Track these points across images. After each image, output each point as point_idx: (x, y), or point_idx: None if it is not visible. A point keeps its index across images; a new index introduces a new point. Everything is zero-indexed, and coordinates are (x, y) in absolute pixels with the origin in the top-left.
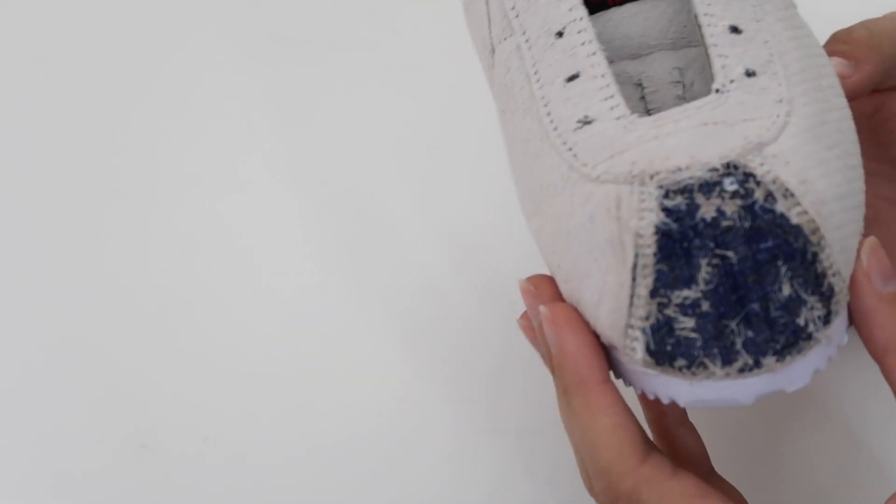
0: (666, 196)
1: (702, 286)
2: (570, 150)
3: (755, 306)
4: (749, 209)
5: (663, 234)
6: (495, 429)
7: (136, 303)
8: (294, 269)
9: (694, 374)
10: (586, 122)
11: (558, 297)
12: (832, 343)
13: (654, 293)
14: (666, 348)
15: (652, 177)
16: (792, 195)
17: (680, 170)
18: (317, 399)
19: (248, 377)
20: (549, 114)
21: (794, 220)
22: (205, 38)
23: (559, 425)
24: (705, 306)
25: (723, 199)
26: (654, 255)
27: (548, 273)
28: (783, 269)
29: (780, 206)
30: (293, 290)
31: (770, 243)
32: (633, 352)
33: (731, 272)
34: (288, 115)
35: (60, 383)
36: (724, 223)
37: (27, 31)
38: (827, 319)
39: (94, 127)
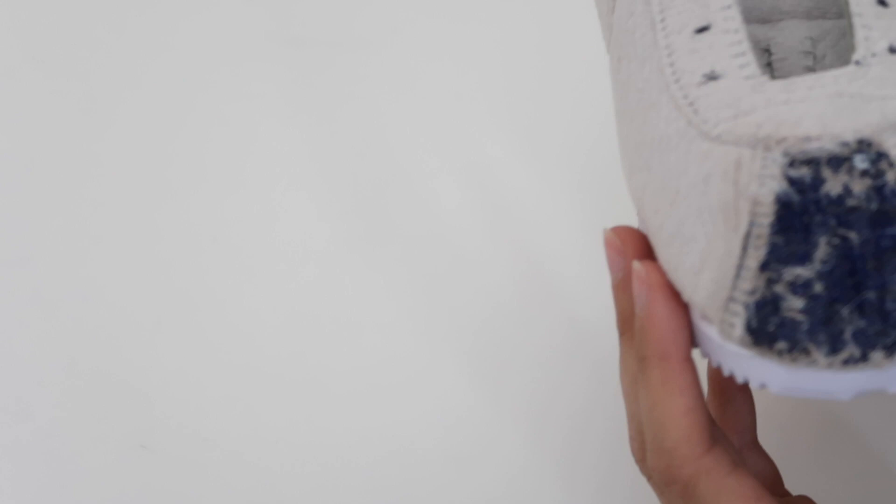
0: (791, 165)
1: (817, 266)
2: (692, 105)
3: (871, 295)
4: (878, 190)
5: (784, 205)
6: (500, 430)
7: (137, 302)
8: (296, 268)
9: (794, 359)
10: (712, 77)
11: (647, 255)
12: None
13: (764, 266)
14: (768, 328)
15: (778, 142)
16: None
17: (809, 139)
18: (319, 400)
19: (250, 377)
20: (671, 64)
21: None
22: (204, 39)
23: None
24: (818, 287)
25: (851, 176)
26: (771, 225)
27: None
28: None
29: None
30: (295, 289)
31: None
32: (731, 328)
33: (851, 255)
34: (298, 114)
35: (60, 384)
36: (850, 202)
37: (27, 30)
38: None
39: (91, 128)
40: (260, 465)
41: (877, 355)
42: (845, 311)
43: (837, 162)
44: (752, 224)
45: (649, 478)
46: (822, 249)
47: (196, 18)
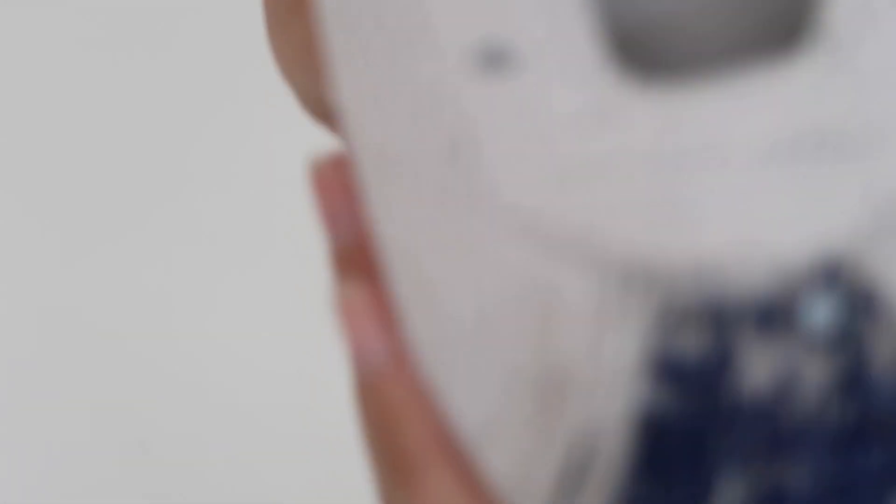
0: (673, 327)
1: None
2: (462, 119)
3: None
4: (854, 376)
5: (655, 428)
6: None
7: (136, 307)
8: (295, 269)
9: None
10: (501, 58)
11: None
12: None
13: None
14: None
15: (647, 275)
16: None
17: (718, 268)
18: (319, 402)
19: (249, 382)
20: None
21: None
22: (204, 39)
23: None
24: None
25: (795, 346)
26: (624, 463)
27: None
28: None
29: None
30: (295, 290)
31: (885, 455)
32: None
33: None
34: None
35: (60, 386)
36: (795, 405)
37: (26, 30)
38: None
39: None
40: (260, 467)
41: None
42: None
43: (769, 318)
44: (582, 458)
45: None
46: (728, 499)
47: (198, 18)
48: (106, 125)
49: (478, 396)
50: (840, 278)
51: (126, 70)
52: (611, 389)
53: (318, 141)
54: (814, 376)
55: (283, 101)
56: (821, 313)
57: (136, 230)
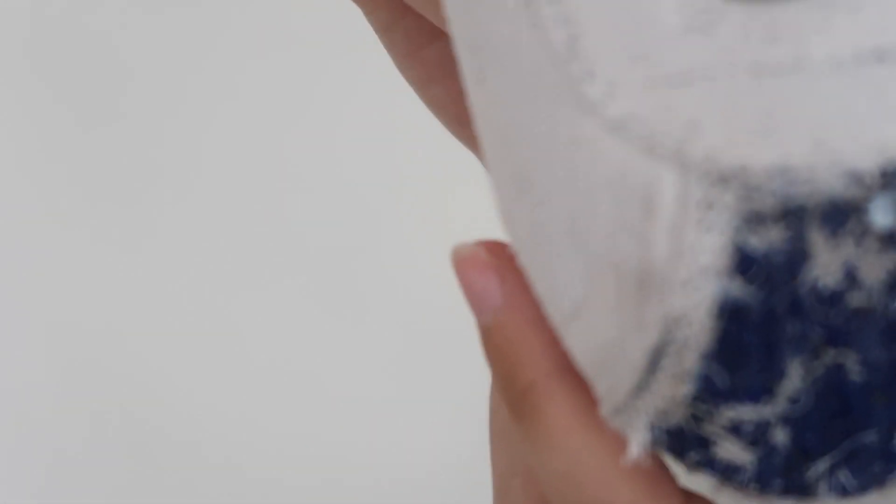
0: (750, 222)
1: (782, 405)
2: (567, 32)
3: (870, 437)
4: None
5: (732, 316)
6: None
7: (135, 306)
8: (295, 269)
9: (720, 489)
10: None
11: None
12: None
13: (687, 400)
14: (685, 461)
15: (734, 181)
16: None
17: (789, 170)
18: (319, 403)
19: (249, 381)
20: None
21: None
22: (203, 41)
23: None
24: (780, 436)
25: (862, 245)
26: (705, 351)
27: None
28: None
29: None
30: (295, 290)
31: None
32: (626, 435)
33: (844, 389)
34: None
35: (59, 385)
36: (854, 300)
37: (26, 29)
38: None
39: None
40: (257, 469)
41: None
42: (822, 465)
43: (839, 216)
44: (666, 342)
45: None
46: (794, 380)
47: (197, 18)
48: (107, 124)
49: (569, 287)
50: None
51: (125, 68)
52: (694, 282)
53: (318, 141)
54: (875, 273)
55: (283, 101)
56: (887, 214)
57: (134, 232)
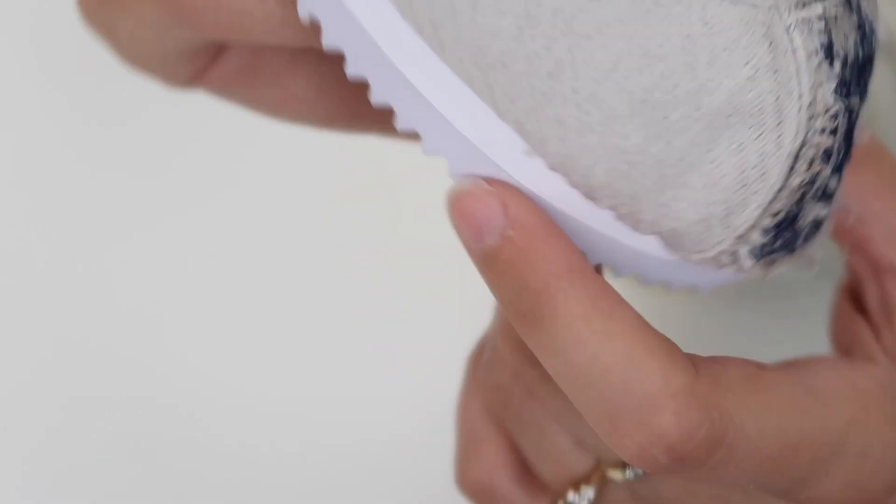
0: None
1: None
2: None
3: None
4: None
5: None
6: None
7: (133, 305)
8: (294, 269)
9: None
10: None
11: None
12: None
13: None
14: (774, 249)
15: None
16: None
17: None
18: (320, 399)
19: (249, 378)
20: None
21: None
22: None
23: None
24: None
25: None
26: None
27: None
28: None
29: None
30: (295, 289)
31: None
32: (733, 256)
33: None
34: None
35: (58, 384)
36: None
37: (26, 29)
38: None
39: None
40: (258, 468)
41: None
42: None
43: None
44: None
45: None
46: None
47: None
48: (105, 126)
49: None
50: None
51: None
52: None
53: (319, 141)
54: None
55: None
56: None
57: (133, 231)
